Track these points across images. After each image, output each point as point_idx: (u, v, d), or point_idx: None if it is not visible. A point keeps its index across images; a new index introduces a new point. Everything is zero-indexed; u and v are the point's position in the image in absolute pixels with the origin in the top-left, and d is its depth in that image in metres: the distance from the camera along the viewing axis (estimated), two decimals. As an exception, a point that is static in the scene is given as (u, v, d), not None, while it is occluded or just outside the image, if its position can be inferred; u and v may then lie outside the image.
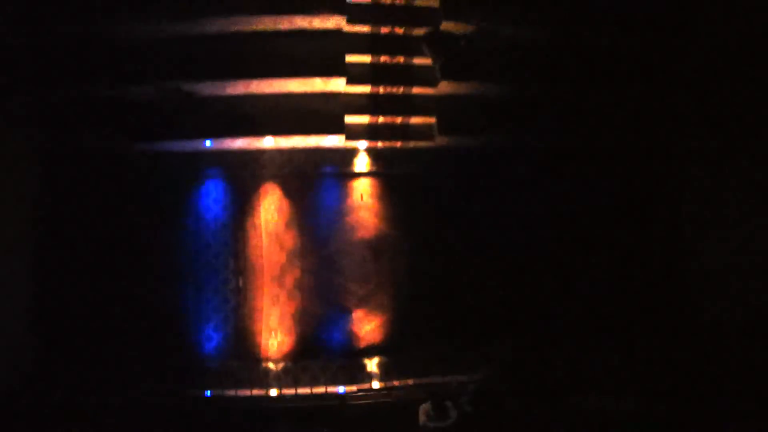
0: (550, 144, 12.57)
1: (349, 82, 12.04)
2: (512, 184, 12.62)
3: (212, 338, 11.69)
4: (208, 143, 11.93)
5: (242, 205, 12.34)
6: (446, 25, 11.81)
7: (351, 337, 12.08)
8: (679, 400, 9.75)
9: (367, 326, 12.20)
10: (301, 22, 11.53)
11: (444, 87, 12.29)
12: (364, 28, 11.94)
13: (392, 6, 11.84)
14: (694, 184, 11.92)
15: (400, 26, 11.95)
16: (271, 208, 12.40)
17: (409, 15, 11.92)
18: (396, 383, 11.71)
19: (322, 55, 11.78)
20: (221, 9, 11.05)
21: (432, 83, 12.31)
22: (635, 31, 11.84)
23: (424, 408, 9.04)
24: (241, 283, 11.99)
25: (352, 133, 12.51)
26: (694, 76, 11.01)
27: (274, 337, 11.79)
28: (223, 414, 10.27)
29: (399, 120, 12.59)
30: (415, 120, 12.64)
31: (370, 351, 11.98)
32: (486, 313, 12.09)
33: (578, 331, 11.75)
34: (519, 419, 9.11)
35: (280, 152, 12.57)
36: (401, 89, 12.40)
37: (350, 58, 11.97)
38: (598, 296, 12.28)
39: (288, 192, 12.54)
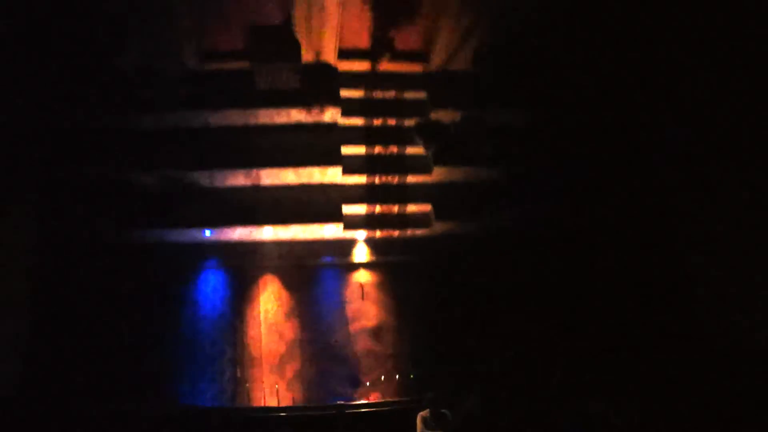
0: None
1: (345, 172, 12.54)
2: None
3: (208, 429, 10.96)
4: (207, 233, 12.09)
5: (241, 295, 12.15)
6: (435, 115, 12.59)
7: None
8: (679, 405, 9.37)
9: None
10: (298, 115, 12.30)
11: (438, 174, 12.76)
12: (358, 121, 12.69)
13: (383, 99, 12.70)
14: (694, 190, 12.01)
15: (392, 118, 12.71)
16: (270, 298, 12.22)
17: (400, 107, 12.76)
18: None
19: (319, 147, 12.41)
20: (222, 102, 11.85)
21: (426, 170, 12.80)
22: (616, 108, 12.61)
23: (421, 416, 8.59)
24: (239, 373, 11.50)
25: (350, 222, 12.75)
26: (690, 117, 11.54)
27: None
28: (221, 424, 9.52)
29: (395, 208, 12.89)
30: (411, 208, 12.94)
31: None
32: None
33: (577, 336, 11.35)
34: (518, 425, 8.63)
35: (279, 243, 12.67)
36: (396, 178, 12.84)
37: (346, 150, 12.55)
38: (597, 300, 11.95)
39: (287, 282, 12.41)
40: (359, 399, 11.56)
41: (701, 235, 11.84)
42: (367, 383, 11.70)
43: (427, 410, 8.61)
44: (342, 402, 10.75)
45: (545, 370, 10.21)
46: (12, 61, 9.80)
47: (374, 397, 11.61)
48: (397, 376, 11.76)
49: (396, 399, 11.01)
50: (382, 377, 11.83)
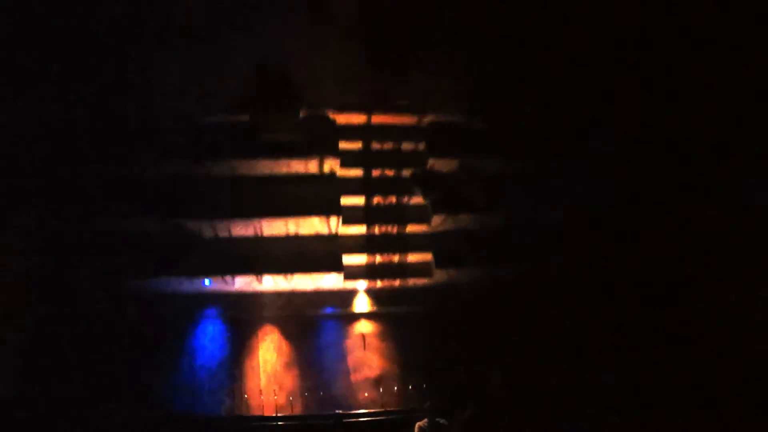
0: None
1: (345, 222, 12.66)
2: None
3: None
4: (207, 282, 12.09)
5: (240, 345, 11.95)
6: (433, 164, 12.84)
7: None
8: (679, 405, 9.28)
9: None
10: (298, 166, 12.56)
11: (437, 222, 12.86)
12: (357, 172, 12.95)
13: (382, 150, 12.99)
14: (694, 190, 11.97)
15: (391, 168, 12.96)
16: (270, 348, 12.02)
17: (398, 157, 13.04)
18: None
19: (319, 197, 12.58)
20: (222, 153, 12.15)
21: (425, 219, 12.90)
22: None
23: (419, 426, 8.42)
24: (237, 422, 11.19)
25: (351, 272, 12.75)
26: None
27: (272, 481, 10.61)
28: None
29: (396, 258, 12.90)
30: (411, 257, 12.97)
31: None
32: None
33: (577, 336, 11.13)
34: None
35: (279, 293, 12.61)
36: (396, 228, 12.94)
37: (345, 200, 12.73)
38: (597, 300, 11.69)
39: (287, 333, 12.25)
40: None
41: (701, 235, 11.78)
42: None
43: (425, 420, 8.47)
44: (340, 411, 10.47)
45: (545, 370, 10.01)
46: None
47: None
48: (395, 388, 11.45)
49: (394, 408, 10.64)
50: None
